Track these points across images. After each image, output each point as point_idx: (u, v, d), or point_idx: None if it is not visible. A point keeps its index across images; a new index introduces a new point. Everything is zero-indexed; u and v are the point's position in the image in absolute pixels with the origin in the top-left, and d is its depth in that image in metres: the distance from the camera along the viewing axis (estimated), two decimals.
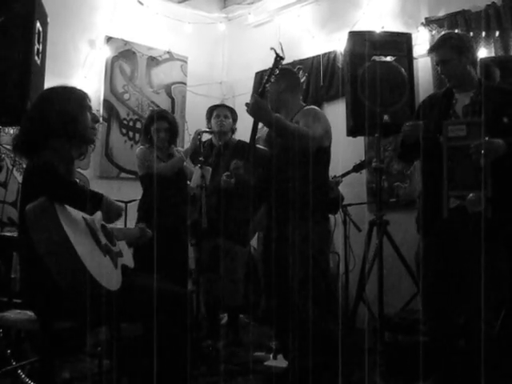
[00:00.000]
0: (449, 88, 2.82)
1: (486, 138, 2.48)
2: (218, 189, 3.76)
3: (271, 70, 2.86)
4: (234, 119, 4.20)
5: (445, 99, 2.80)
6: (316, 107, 3.14)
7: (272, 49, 2.87)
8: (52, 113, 2.20)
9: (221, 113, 4.11)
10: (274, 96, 3.04)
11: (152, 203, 3.57)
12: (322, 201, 2.94)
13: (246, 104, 2.81)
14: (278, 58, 2.85)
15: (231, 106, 4.55)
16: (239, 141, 4.18)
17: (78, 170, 4.58)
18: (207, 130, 4.07)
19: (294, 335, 2.66)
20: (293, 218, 2.78)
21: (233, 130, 4.17)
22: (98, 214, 2.19)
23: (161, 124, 3.93)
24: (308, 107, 3.08)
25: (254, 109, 2.77)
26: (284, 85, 3.06)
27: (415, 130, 2.72)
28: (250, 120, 2.91)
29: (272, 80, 2.87)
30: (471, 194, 2.53)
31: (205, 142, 4.08)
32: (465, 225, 2.58)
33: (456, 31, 3.07)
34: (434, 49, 2.86)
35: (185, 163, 3.96)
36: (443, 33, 3.03)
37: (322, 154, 2.93)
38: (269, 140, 3.17)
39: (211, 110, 4.18)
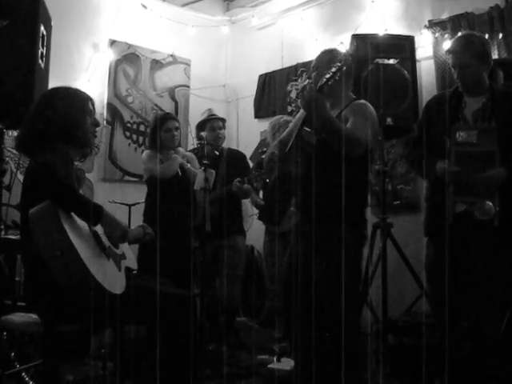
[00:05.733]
0: (457, 89, 2.76)
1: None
2: (221, 196, 3.83)
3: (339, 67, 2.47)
4: (225, 126, 4.26)
5: (453, 101, 2.73)
6: (365, 102, 2.70)
7: (342, 43, 2.61)
8: (53, 116, 2.21)
9: (215, 125, 4.15)
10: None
11: (155, 207, 3.57)
12: (358, 211, 2.65)
13: (301, 93, 2.48)
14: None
15: (234, 108, 4.56)
16: (229, 149, 4.29)
17: None
18: (203, 142, 4.03)
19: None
20: (326, 228, 2.52)
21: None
22: None
23: (173, 123, 3.95)
24: (357, 102, 2.70)
25: (309, 104, 2.42)
26: None
27: (454, 177, 2.56)
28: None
29: (337, 77, 2.45)
30: (488, 203, 2.48)
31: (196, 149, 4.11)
32: (471, 229, 2.56)
33: (476, 33, 2.82)
34: (454, 51, 2.71)
35: (189, 165, 3.96)
36: (464, 33, 2.83)
37: (365, 158, 2.58)
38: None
39: (202, 124, 4.21)
